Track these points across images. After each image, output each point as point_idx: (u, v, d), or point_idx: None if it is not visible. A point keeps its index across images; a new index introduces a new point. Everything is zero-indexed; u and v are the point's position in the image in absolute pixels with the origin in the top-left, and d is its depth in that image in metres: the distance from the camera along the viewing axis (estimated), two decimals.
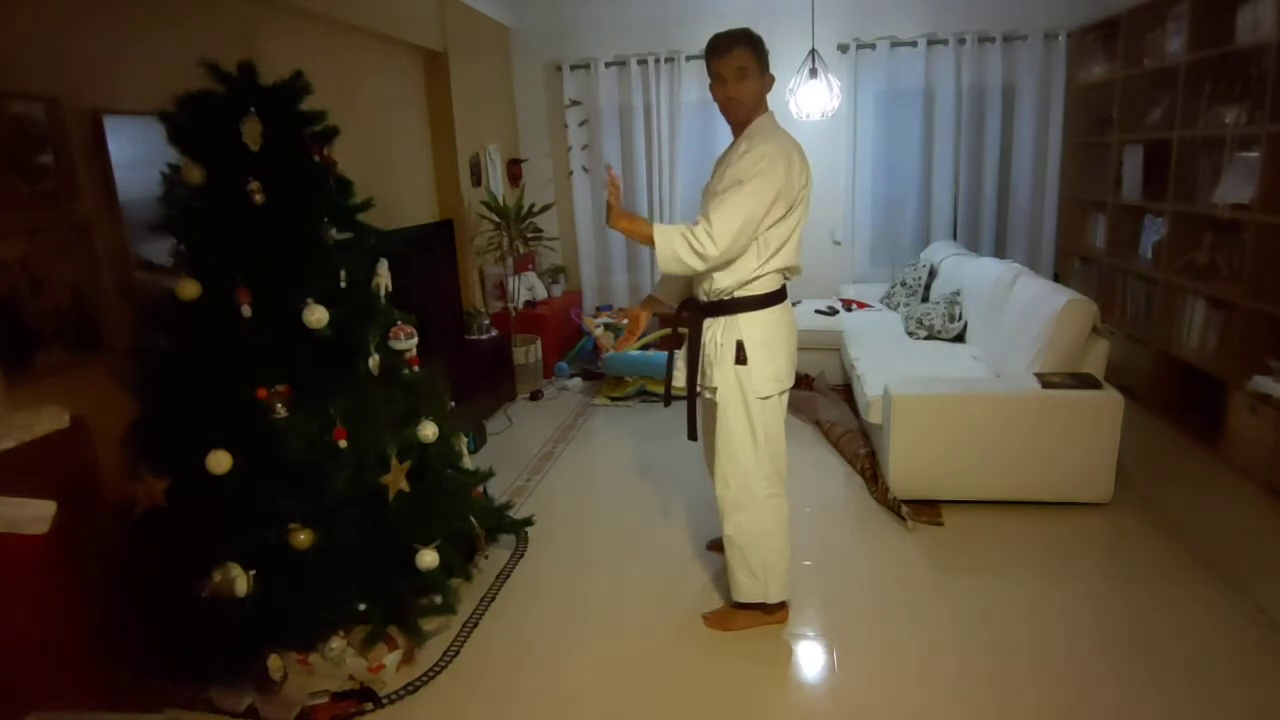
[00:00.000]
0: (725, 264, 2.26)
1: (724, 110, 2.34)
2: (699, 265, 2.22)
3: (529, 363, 5.10)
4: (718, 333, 2.35)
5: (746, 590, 2.48)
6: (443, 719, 2.23)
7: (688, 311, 2.46)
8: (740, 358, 2.31)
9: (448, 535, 2.48)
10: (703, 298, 2.39)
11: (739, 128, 2.34)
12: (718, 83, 2.30)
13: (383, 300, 2.50)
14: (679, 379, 2.52)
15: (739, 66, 2.25)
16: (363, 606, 2.31)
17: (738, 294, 2.31)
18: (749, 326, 2.32)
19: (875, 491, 3.41)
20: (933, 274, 5.01)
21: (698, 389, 2.47)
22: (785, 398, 2.42)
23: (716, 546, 2.87)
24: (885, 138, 5.55)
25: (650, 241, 2.23)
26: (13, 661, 1.83)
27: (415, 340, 2.55)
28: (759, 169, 2.18)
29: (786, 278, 2.40)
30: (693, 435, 2.57)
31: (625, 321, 5.28)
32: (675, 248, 2.20)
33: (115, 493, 2.26)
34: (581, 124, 5.76)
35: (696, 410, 2.54)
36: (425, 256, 4.30)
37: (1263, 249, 3.35)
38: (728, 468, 2.41)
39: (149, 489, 2.17)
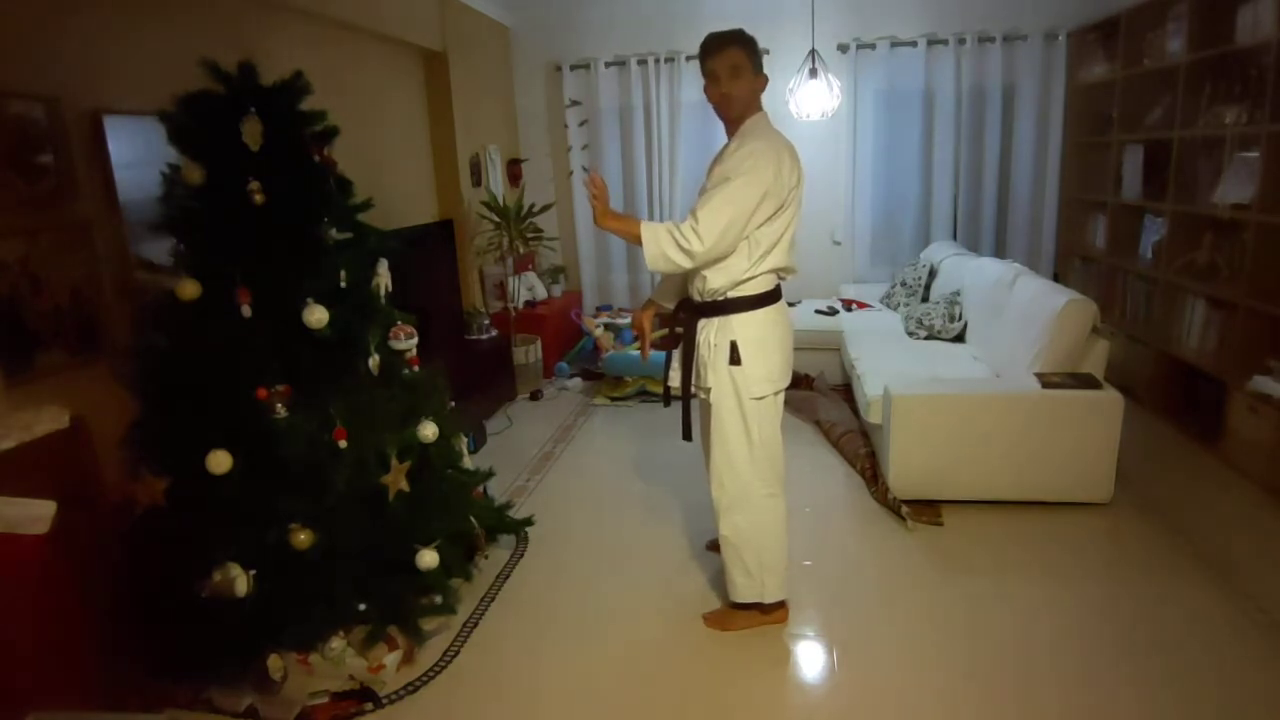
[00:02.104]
0: (715, 262, 2.25)
1: (719, 108, 2.34)
2: (686, 262, 2.21)
3: (529, 363, 5.10)
4: (711, 333, 2.34)
5: (743, 590, 2.48)
6: (443, 719, 2.23)
7: (684, 312, 2.46)
8: (734, 358, 2.30)
9: (448, 535, 2.49)
10: (696, 298, 2.39)
11: (733, 126, 2.34)
12: (712, 81, 2.30)
13: (383, 300, 2.51)
14: (674, 379, 2.52)
15: (733, 64, 2.25)
16: (363, 606, 2.32)
17: (731, 294, 2.31)
18: (743, 327, 2.31)
19: (875, 491, 3.42)
20: (933, 274, 5.01)
21: (693, 390, 2.47)
22: (781, 398, 2.42)
23: (715, 547, 2.87)
24: (885, 138, 5.54)
25: (639, 240, 2.22)
26: (13, 661, 1.83)
27: (415, 340, 2.55)
28: (746, 167, 2.18)
29: (781, 278, 2.39)
30: (687, 436, 2.57)
31: (626, 320, 5.36)
32: (662, 245, 2.19)
33: (115, 493, 2.26)
34: (581, 124, 5.76)
35: (691, 411, 2.54)
36: (425, 256, 4.30)
37: (1263, 249, 3.35)
38: (723, 468, 2.41)
39: (149, 489, 2.17)
